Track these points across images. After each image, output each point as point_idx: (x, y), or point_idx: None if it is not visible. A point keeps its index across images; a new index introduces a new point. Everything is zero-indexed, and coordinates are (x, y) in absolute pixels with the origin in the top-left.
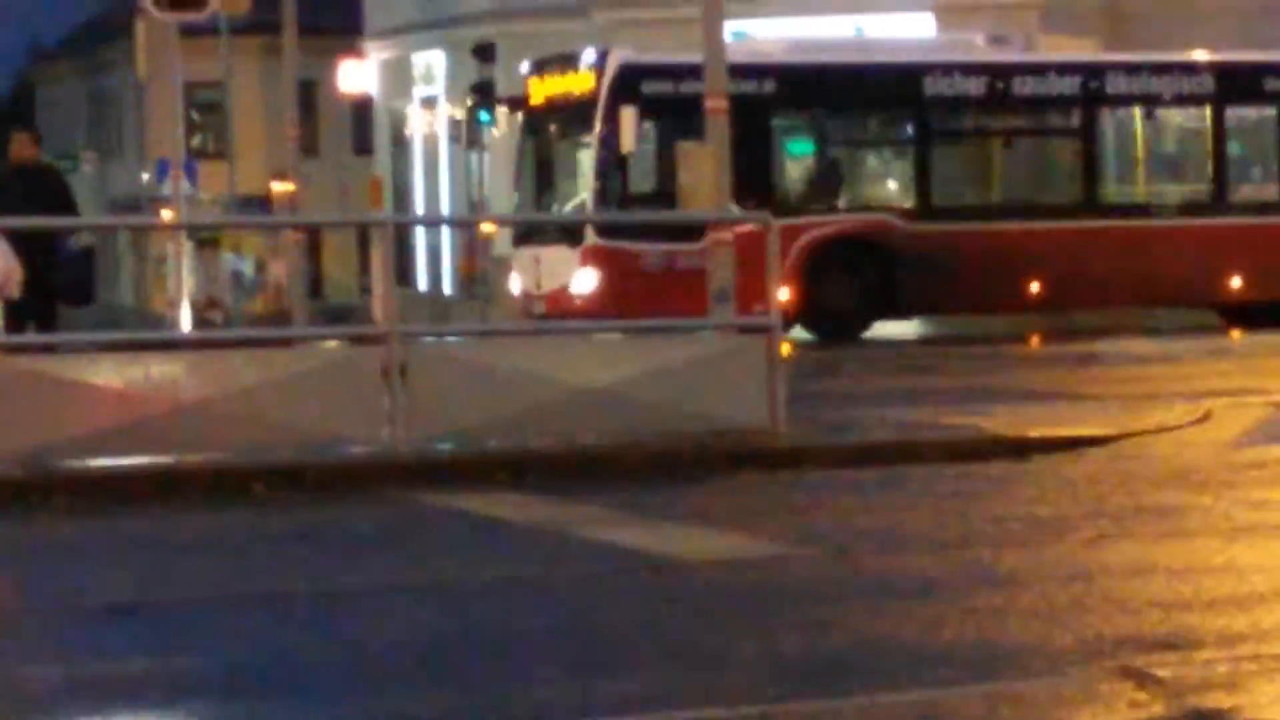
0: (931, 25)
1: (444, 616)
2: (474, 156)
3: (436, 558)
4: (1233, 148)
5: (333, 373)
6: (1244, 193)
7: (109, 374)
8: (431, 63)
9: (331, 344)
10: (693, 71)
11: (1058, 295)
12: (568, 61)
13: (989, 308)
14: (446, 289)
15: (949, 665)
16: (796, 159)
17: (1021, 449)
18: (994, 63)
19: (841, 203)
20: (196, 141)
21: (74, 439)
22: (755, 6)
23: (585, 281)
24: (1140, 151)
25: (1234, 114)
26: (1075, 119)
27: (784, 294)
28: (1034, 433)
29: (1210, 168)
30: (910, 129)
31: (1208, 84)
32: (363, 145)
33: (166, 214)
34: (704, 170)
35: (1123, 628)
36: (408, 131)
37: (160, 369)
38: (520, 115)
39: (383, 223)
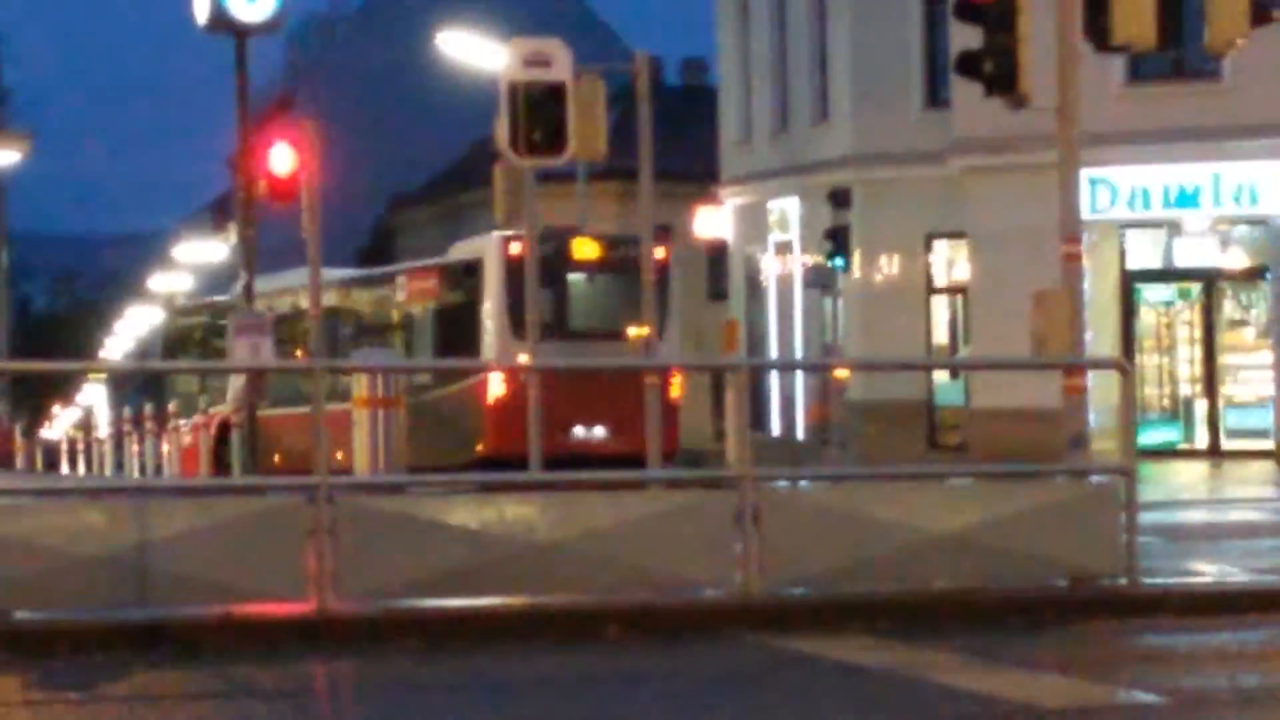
0: None
1: None
2: (828, 301)
3: (788, 704)
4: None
5: (686, 516)
6: None
7: (463, 514)
8: (786, 208)
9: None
10: None
11: None
12: None
13: None
14: (799, 434)
15: None
16: None
17: None
18: None
19: None
20: None
21: (428, 579)
22: (1112, 153)
23: None
24: None
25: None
26: None
27: None
28: None
29: None
30: None
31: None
32: (717, 290)
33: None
34: (1059, 315)
35: None
36: (762, 276)
37: (514, 510)
38: None
39: (738, 366)
